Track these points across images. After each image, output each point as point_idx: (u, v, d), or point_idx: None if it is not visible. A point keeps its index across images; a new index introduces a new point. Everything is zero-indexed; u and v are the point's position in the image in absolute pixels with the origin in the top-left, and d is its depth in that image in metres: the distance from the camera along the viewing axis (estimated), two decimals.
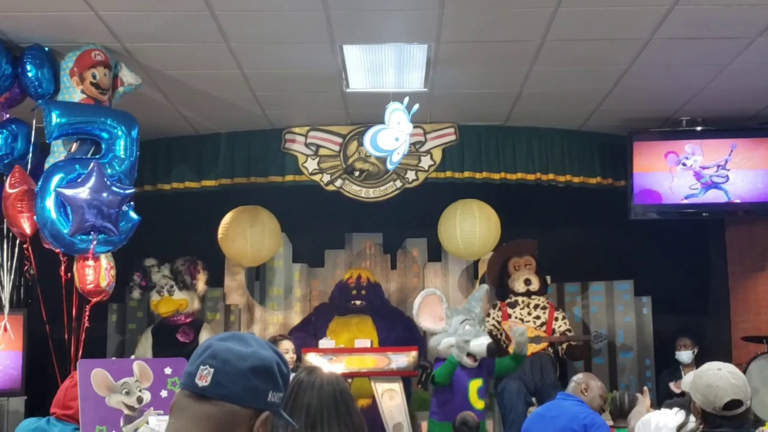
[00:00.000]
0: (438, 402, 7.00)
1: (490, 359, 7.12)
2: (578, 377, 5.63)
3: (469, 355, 6.95)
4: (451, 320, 7.03)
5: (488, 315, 8.26)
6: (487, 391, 7.05)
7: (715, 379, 3.36)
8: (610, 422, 5.76)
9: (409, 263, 9.61)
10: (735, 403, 3.31)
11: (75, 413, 4.42)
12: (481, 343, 6.93)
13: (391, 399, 7.37)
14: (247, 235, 8.46)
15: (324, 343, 7.70)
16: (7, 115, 5.91)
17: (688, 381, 3.73)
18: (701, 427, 3.42)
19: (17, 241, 5.77)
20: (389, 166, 7.02)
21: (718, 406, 3.31)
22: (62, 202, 5.36)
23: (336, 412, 3.40)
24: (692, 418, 3.62)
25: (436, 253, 9.41)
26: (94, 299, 5.65)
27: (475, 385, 6.91)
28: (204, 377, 1.73)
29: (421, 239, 9.52)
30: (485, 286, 7.70)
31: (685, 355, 8.02)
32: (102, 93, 5.71)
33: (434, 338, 7.10)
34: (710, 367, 3.50)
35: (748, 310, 8.80)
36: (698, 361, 7.22)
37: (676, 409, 4.66)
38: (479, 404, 6.90)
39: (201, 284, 8.45)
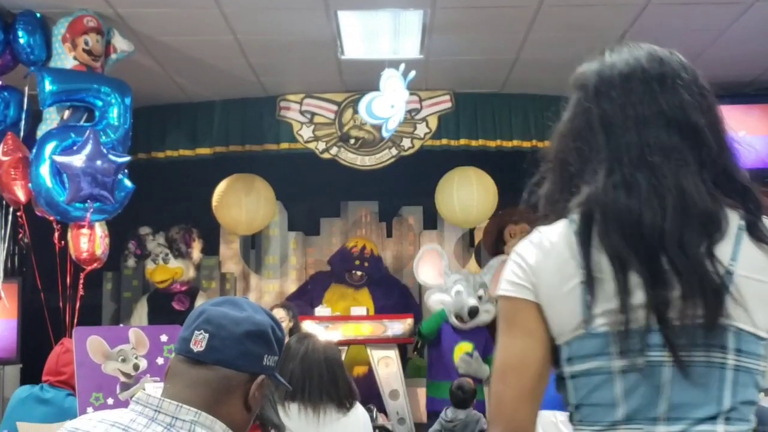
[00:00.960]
0: (429, 361, 7.06)
1: (490, 338, 7.11)
2: None
3: (457, 316, 6.97)
4: (448, 278, 7.05)
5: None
6: (485, 360, 7.02)
7: None
8: None
9: (405, 231, 9.61)
10: None
11: (68, 379, 4.44)
12: (463, 304, 6.93)
13: (387, 366, 7.40)
14: (243, 203, 8.44)
15: (320, 311, 7.72)
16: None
17: None
18: None
19: (11, 209, 5.75)
20: (385, 134, 7.00)
21: None
22: (58, 170, 5.34)
23: (319, 382, 3.42)
24: None
25: (431, 221, 9.40)
26: (89, 267, 5.64)
27: (461, 348, 6.91)
28: (199, 342, 1.74)
29: (417, 207, 9.51)
30: (502, 257, 7.55)
31: None
32: (95, 60, 5.66)
33: (428, 292, 7.13)
34: None
35: None
36: None
37: None
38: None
39: (196, 252, 8.46)
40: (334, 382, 3.50)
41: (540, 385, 1.66)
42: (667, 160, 1.62)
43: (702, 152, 1.66)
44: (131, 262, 8.45)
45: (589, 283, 1.57)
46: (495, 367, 1.69)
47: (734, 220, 1.63)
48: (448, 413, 6.19)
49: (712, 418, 1.56)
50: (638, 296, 1.55)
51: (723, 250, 1.58)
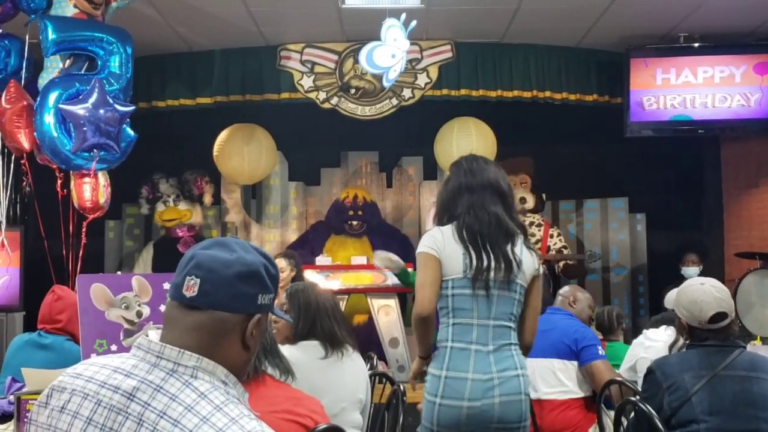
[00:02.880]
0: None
1: None
2: (564, 290, 5.68)
3: None
4: None
5: None
6: None
7: (699, 293, 3.40)
8: (599, 335, 5.86)
9: (405, 181, 9.63)
10: (720, 316, 3.36)
11: (64, 326, 4.49)
12: None
13: (387, 315, 7.45)
14: (244, 153, 8.44)
15: (321, 260, 7.75)
16: (0, 31, 5.85)
17: (671, 299, 3.79)
18: (687, 342, 3.48)
19: (13, 157, 5.76)
20: (385, 84, 6.98)
21: (704, 320, 3.36)
22: (62, 119, 5.34)
23: (315, 326, 3.49)
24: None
25: (431, 171, 9.42)
26: (92, 216, 5.66)
27: None
28: (191, 288, 1.73)
29: (417, 157, 9.52)
30: None
31: (692, 271, 8.00)
32: (95, 8, 5.62)
33: None
34: (693, 282, 3.55)
35: (742, 226, 8.86)
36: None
37: (663, 327, 4.74)
38: None
39: (208, 197, 8.63)
40: (333, 326, 3.56)
41: (436, 290, 3.48)
42: (492, 205, 3.55)
43: (506, 204, 3.60)
44: (145, 208, 8.56)
45: (467, 254, 3.47)
46: (417, 282, 3.53)
47: (519, 237, 3.57)
48: None
49: (509, 319, 3.50)
50: (479, 264, 3.45)
51: (516, 249, 3.53)
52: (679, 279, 7.96)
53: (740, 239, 8.75)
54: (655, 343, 4.63)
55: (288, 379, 3.02)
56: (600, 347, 5.24)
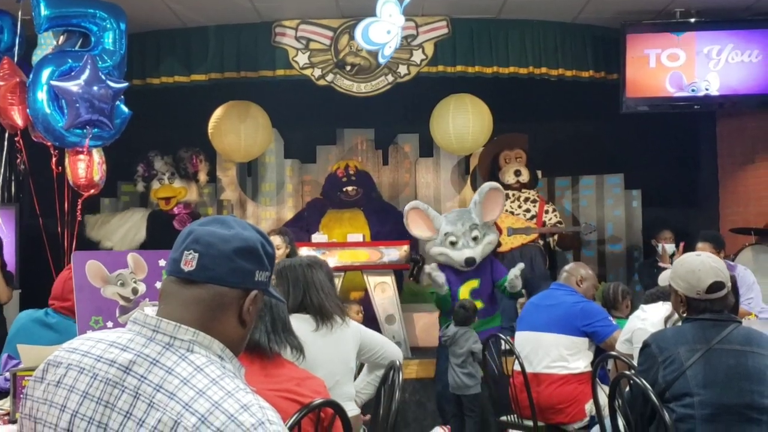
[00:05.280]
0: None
1: (494, 261, 7.14)
2: (570, 267, 5.70)
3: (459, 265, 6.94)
4: (439, 229, 6.97)
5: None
6: (495, 287, 7.02)
7: (696, 263, 3.42)
8: None
9: (401, 159, 9.63)
10: (717, 285, 3.37)
11: (72, 305, 4.47)
12: (458, 255, 6.89)
13: (383, 292, 7.47)
14: (239, 130, 8.43)
15: (317, 237, 7.76)
16: None
17: (665, 277, 3.80)
18: (684, 314, 3.49)
19: (7, 134, 5.74)
20: (381, 60, 6.95)
21: (702, 289, 3.37)
22: (55, 95, 5.32)
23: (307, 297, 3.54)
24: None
25: (427, 148, 9.41)
26: (87, 193, 5.66)
27: (467, 287, 6.93)
28: (189, 262, 1.74)
29: (413, 135, 9.51)
30: (488, 185, 7.40)
31: (668, 248, 8.02)
32: None
33: (428, 244, 7.09)
34: (689, 255, 3.57)
35: (737, 202, 8.88)
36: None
37: (660, 302, 4.75)
38: (477, 303, 6.92)
39: (203, 175, 8.62)
40: (322, 299, 3.61)
41: None
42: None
43: None
44: (140, 185, 8.54)
45: None
46: None
47: None
48: (447, 330, 6.33)
49: None
50: None
51: None
52: (655, 255, 7.93)
53: (736, 215, 8.77)
54: (652, 316, 4.65)
55: (299, 358, 3.04)
56: (610, 318, 5.29)
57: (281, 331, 2.95)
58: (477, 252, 6.87)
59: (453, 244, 6.89)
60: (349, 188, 8.57)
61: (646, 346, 3.45)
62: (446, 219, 7.02)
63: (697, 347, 3.30)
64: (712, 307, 3.38)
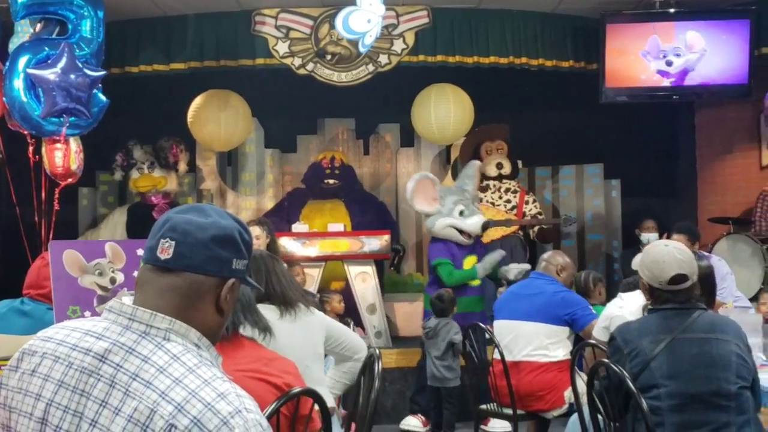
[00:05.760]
0: (435, 278, 7.01)
1: (483, 245, 7.25)
2: (549, 256, 5.70)
3: (463, 233, 6.96)
4: (444, 200, 7.01)
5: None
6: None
7: (661, 254, 3.42)
8: None
9: (382, 148, 9.62)
10: (680, 278, 3.37)
11: (48, 293, 4.43)
12: (475, 222, 6.96)
13: (364, 281, 7.48)
14: (219, 119, 8.40)
15: (297, 227, 7.75)
16: None
17: (637, 261, 3.81)
18: (648, 304, 3.50)
19: None
20: (361, 49, 6.95)
21: (664, 281, 3.37)
22: (32, 84, 5.28)
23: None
24: None
25: (408, 138, 9.41)
26: (64, 182, 5.62)
27: (470, 261, 6.97)
28: (166, 250, 1.72)
29: (394, 124, 9.51)
30: (476, 162, 7.55)
31: (652, 238, 8.06)
32: None
33: (429, 220, 7.07)
34: (658, 244, 3.57)
35: (715, 192, 8.92)
36: None
37: (638, 291, 4.78)
38: (474, 281, 6.97)
39: (183, 164, 8.63)
40: (285, 288, 3.64)
41: None
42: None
43: None
44: (118, 174, 8.52)
45: None
46: None
47: None
48: (428, 322, 6.36)
49: None
50: None
51: None
52: (637, 245, 8.00)
53: (714, 204, 8.82)
54: (629, 304, 4.67)
55: (267, 338, 3.04)
56: (589, 306, 5.32)
57: (240, 311, 2.96)
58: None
59: (461, 213, 6.95)
60: (330, 181, 8.59)
61: (612, 339, 3.48)
62: (450, 190, 7.13)
63: (660, 338, 3.31)
64: (675, 298, 3.38)
